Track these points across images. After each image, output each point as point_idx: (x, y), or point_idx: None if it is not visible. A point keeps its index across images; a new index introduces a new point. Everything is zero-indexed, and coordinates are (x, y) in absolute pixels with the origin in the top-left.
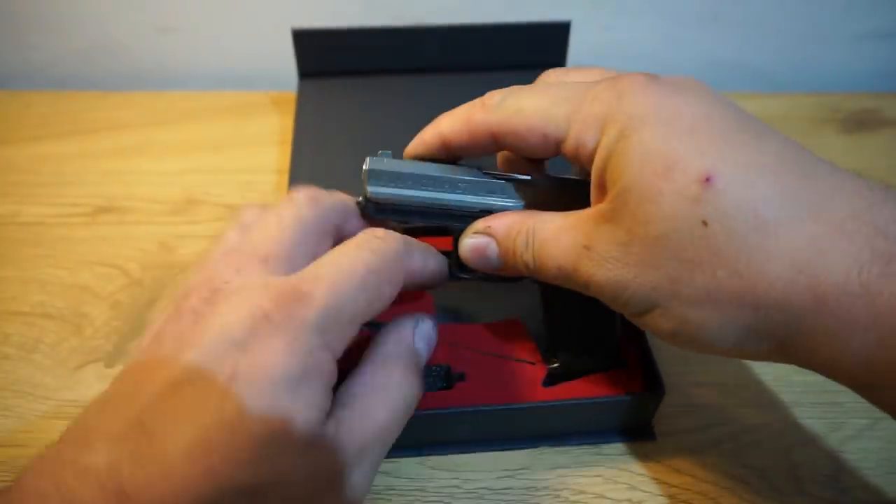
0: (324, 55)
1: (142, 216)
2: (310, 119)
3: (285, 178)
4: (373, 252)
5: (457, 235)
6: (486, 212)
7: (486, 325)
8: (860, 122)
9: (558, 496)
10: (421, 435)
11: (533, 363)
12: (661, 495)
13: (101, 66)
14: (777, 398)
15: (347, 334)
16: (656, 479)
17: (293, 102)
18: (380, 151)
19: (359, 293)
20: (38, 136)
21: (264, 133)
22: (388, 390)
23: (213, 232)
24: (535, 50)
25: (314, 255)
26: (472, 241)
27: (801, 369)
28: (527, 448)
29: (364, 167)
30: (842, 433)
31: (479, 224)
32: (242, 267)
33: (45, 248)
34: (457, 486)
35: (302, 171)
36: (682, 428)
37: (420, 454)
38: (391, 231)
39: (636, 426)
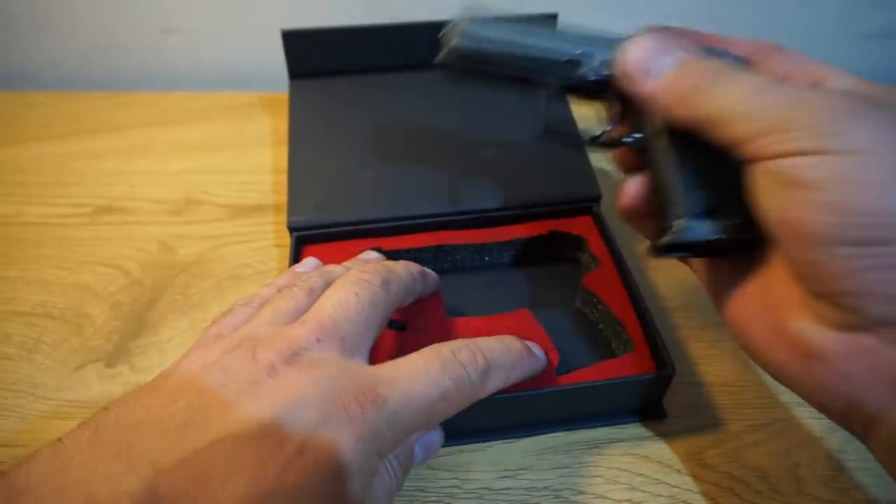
0: (313, 55)
1: (142, 216)
2: (303, 119)
3: (285, 177)
4: (454, 381)
5: (549, 89)
6: (576, 63)
7: (497, 315)
8: None
9: (558, 496)
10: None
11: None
12: (662, 495)
13: (103, 67)
14: (777, 398)
15: (398, 442)
16: (656, 479)
17: None
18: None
19: (424, 415)
20: (41, 136)
21: (264, 133)
22: (387, 485)
23: (213, 232)
24: None
25: (378, 333)
26: (644, 42)
27: None
28: (544, 434)
29: (456, 21)
30: (842, 433)
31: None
32: (323, 339)
33: (46, 249)
34: (457, 486)
35: (300, 170)
36: (682, 428)
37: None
38: (486, 349)
39: (647, 407)
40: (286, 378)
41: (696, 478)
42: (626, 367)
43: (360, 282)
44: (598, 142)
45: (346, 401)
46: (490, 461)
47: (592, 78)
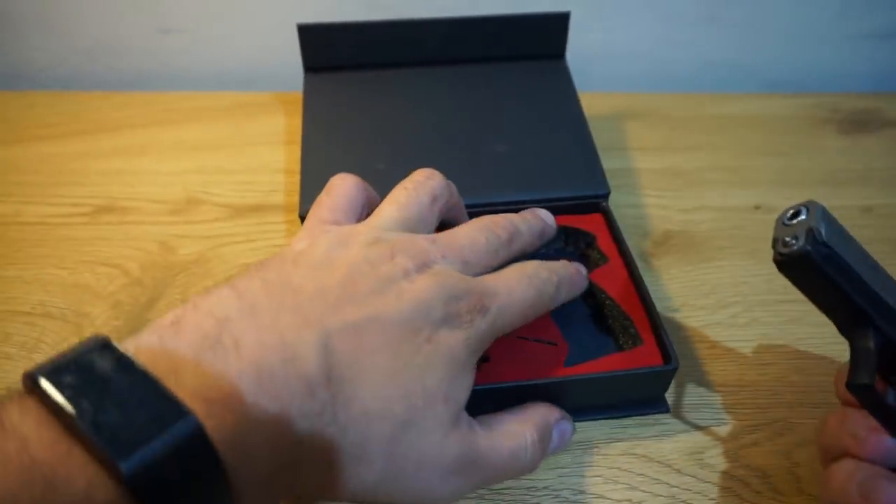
0: (328, 50)
1: (142, 216)
2: (317, 112)
3: (285, 177)
4: (537, 291)
5: (875, 335)
6: None
7: None
8: (858, 123)
9: (558, 496)
10: None
11: (555, 344)
12: (662, 495)
13: (103, 67)
14: (777, 398)
15: (493, 340)
16: (656, 479)
17: (294, 102)
18: (813, 202)
19: (513, 321)
20: (40, 136)
21: (265, 133)
22: (517, 442)
23: (214, 232)
24: (535, 41)
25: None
26: None
27: (801, 369)
28: None
29: (810, 212)
30: None
31: None
32: (448, 256)
33: (46, 248)
34: None
35: (313, 161)
36: (682, 428)
37: None
38: (555, 269)
39: (651, 400)
40: (418, 283)
41: (696, 478)
42: (633, 360)
43: (492, 231)
44: None
45: (461, 307)
46: None
47: None
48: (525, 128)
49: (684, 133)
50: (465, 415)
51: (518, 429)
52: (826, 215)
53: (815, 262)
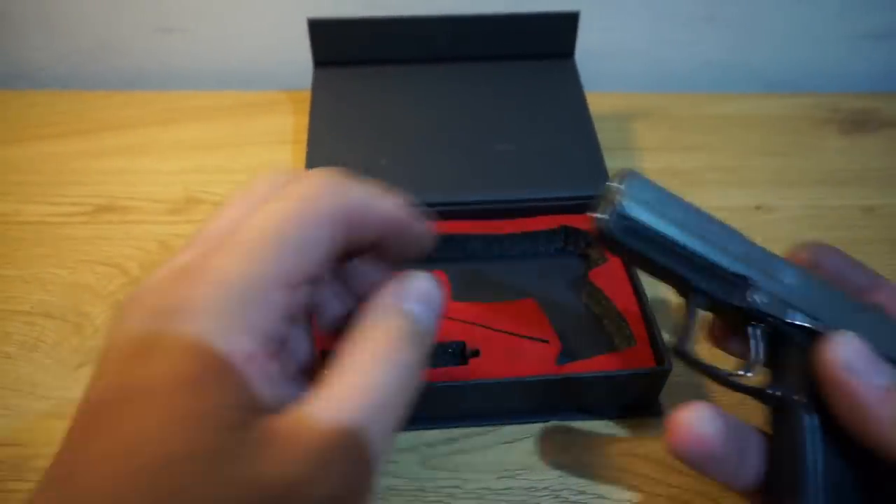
0: (337, 45)
1: (142, 215)
2: (324, 107)
3: None
4: (301, 199)
5: (698, 297)
6: (743, 282)
7: (501, 303)
8: (858, 123)
9: (558, 496)
10: (438, 408)
11: (546, 341)
12: (661, 495)
13: (103, 66)
14: None
15: (270, 305)
16: (656, 479)
17: (294, 101)
18: (627, 171)
19: (281, 259)
20: (40, 135)
21: (265, 132)
22: (365, 372)
23: None
24: (544, 40)
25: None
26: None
27: None
28: (540, 422)
29: (618, 183)
30: None
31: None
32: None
33: (46, 248)
34: (457, 486)
35: (317, 156)
36: None
37: (439, 427)
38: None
39: (644, 403)
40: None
41: (696, 478)
42: (626, 361)
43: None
44: (730, 381)
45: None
46: (490, 461)
47: (761, 308)
48: (531, 126)
49: (683, 133)
50: (248, 417)
51: (365, 359)
52: (637, 185)
53: (614, 236)
